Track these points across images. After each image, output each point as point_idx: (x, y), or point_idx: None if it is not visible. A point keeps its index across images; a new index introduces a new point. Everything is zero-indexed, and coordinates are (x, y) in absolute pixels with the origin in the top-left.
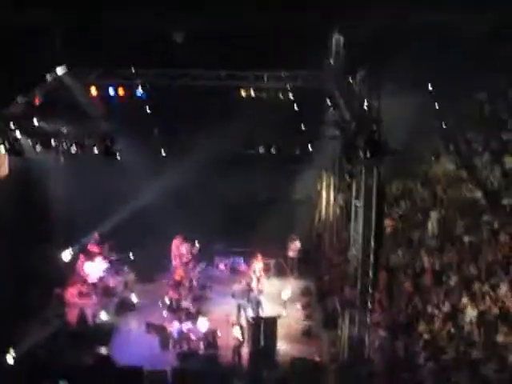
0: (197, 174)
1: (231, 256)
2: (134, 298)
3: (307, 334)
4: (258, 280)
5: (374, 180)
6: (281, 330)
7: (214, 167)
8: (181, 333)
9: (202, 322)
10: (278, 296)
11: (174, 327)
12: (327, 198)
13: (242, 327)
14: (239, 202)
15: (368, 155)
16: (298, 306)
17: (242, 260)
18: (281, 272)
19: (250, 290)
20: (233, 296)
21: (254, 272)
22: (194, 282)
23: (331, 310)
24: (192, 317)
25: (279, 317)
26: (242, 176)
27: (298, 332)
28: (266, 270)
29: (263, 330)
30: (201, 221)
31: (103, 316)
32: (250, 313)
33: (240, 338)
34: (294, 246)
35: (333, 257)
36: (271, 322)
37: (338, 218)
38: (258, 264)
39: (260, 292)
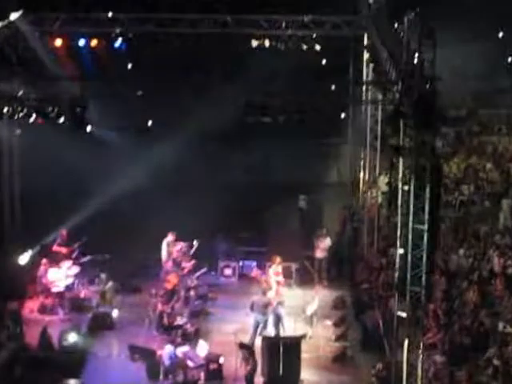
0: (192, 151)
1: (240, 258)
2: (114, 314)
3: (340, 360)
4: (277, 289)
5: (427, 158)
6: (306, 353)
7: (215, 141)
8: (175, 359)
9: (203, 344)
10: (301, 310)
11: (165, 351)
12: (366, 181)
13: (252, 351)
14: (249, 186)
15: (419, 125)
16: (328, 322)
17: (254, 263)
18: (305, 278)
19: (268, 302)
20: (251, 309)
21: (270, 278)
22: (192, 293)
23: (372, 328)
24: (189, 338)
25: (304, 337)
26: (252, 153)
27: (329, 356)
28: (287, 275)
29: (283, 353)
30: (199, 212)
31: (73, 337)
32: (268, 331)
33: (252, 365)
34: (323, 245)
35: (374, 258)
36: (293, 344)
37: (380, 208)
38: (275, 268)
39: (280, 304)
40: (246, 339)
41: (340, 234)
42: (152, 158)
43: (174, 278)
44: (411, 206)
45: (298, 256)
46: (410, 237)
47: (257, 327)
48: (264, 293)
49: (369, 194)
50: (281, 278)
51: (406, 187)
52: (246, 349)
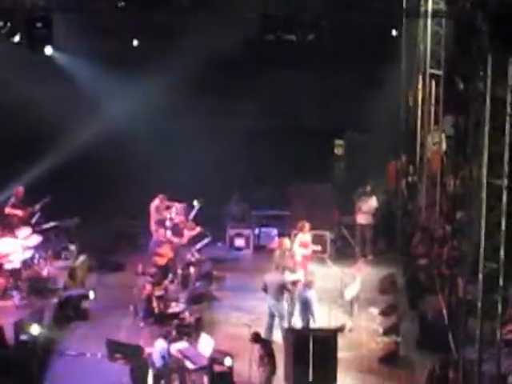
0: (191, 85)
1: (256, 224)
2: (88, 298)
3: (390, 360)
4: (304, 266)
5: (507, 88)
6: (344, 352)
7: (221, 72)
8: (168, 358)
9: (206, 339)
10: (338, 294)
11: (156, 349)
12: (424, 122)
13: (271, 348)
14: (268, 132)
15: (498, 45)
16: (374, 310)
17: (274, 231)
18: (343, 252)
19: (291, 282)
20: (265, 290)
21: (296, 251)
22: (192, 270)
23: (432, 318)
24: (188, 331)
25: (341, 330)
26: (270, 88)
27: (375, 356)
28: (318, 248)
29: (313, 352)
30: (201, 165)
31: (33, 330)
32: (292, 321)
33: (270, 367)
34: (367, 207)
35: (436, 225)
36: (327, 339)
37: (445, 158)
38: (302, 238)
39: (308, 286)
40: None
41: (390, 192)
42: (137, 95)
43: (168, 251)
44: (485, 154)
45: (333, 222)
46: (483, 196)
47: (272, 317)
48: (288, 270)
49: (429, 138)
50: (310, 251)
51: (479, 129)
52: (263, 345)
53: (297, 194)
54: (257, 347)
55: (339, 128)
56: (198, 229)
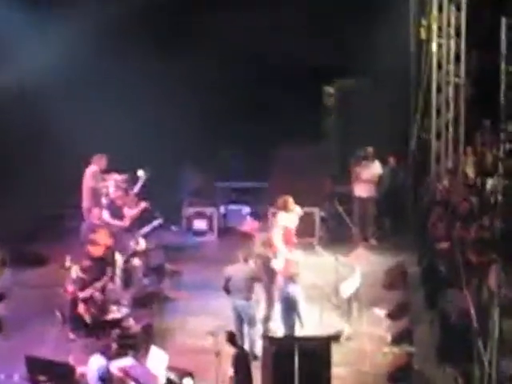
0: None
1: (222, 201)
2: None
3: (403, 376)
4: (286, 254)
5: None
6: (341, 367)
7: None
8: (108, 379)
9: (157, 354)
10: (332, 290)
11: (92, 367)
12: (442, 58)
13: (242, 360)
14: (237, 77)
15: None
16: (380, 311)
17: (246, 209)
18: (338, 235)
19: (269, 275)
20: (226, 290)
21: (275, 236)
22: (137, 263)
23: (456, 320)
24: (133, 343)
25: (337, 338)
26: (238, 17)
27: (381, 372)
28: (305, 230)
29: (300, 367)
30: (147, 123)
31: None
32: (271, 327)
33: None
34: (368, 174)
35: (458, 196)
36: (319, 350)
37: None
38: (285, 217)
39: (291, 280)
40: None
41: (399, 154)
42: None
43: (106, 238)
44: None
45: (323, 195)
46: None
47: (241, 322)
48: (263, 259)
49: (448, 79)
50: (294, 235)
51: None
52: (239, 357)
53: (275, 161)
54: (226, 363)
55: (329, 72)
56: (143, 204)
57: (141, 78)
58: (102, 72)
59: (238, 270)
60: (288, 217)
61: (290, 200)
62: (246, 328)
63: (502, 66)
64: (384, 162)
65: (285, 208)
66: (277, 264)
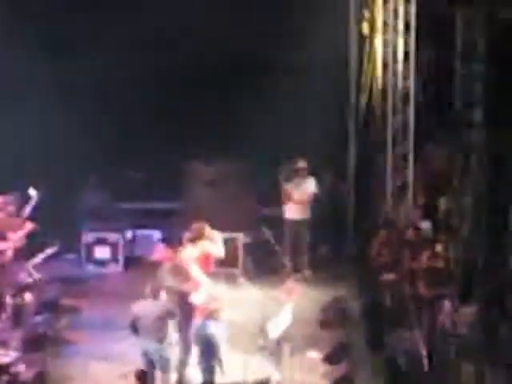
0: None
1: (128, 225)
2: None
3: None
4: (207, 287)
5: None
6: None
7: None
8: None
9: None
10: (258, 330)
11: None
12: (388, 56)
13: None
14: (133, 76)
15: None
16: (315, 354)
17: (156, 234)
18: (266, 265)
19: (185, 312)
20: (133, 330)
21: (190, 265)
22: (27, 297)
23: (407, 364)
24: None
25: None
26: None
27: None
28: (227, 260)
29: None
30: (38, 132)
31: None
32: (187, 374)
33: None
34: (301, 193)
35: (408, 220)
36: None
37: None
38: (200, 245)
39: (210, 318)
40: None
41: (337, 169)
42: None
43: None
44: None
45: (249, 218)
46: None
47: (152, 367)
48: (179, 294)
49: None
50: (211, 265)
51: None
52: None
53: (191, 177)
54: None
55: (253, 69)
56: (29, 225)
57: (29, 79)
58: None
59: (148, 307)
60: (203, 244)
61: (206, 227)
62: (158, 375)
63: (458, 65)
64: (319, 179)
65: (200, 237)
66: (196, 299)
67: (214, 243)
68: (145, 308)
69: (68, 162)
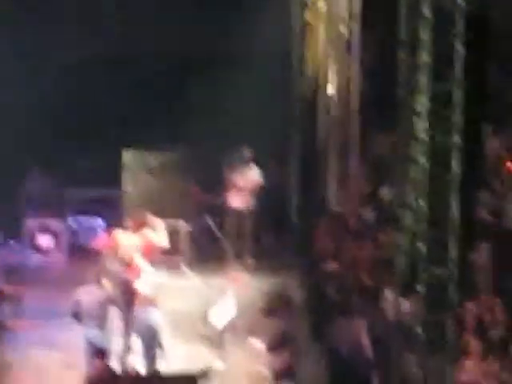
0: None
1: (71, 212)
2: None
3: None
4: (149, 274)
5: None
6: None
7: None
8: None
9: None
10: (201, 318)
11: None
12: (331, 46)
13: None
14: (81, 59)
15: None
16: (258, 343)
17: (99, 222)
18: (209, 254)
19: (126, 299)
20: (75, 317)
21: (132, 253)
22: None
23: (348, 354)
24: None
25: (206, 374)
26: None
27: None
28: (169, 248)
29: None
30: None
31: None
32: (129, 362)
33: None
34: (245, 180)
35: (351, 208)
36: None
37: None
38: (142, 233)
39: (152, 306)
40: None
41: (280, 158)
42: None
43: None
44: (425, 97)
45: (191, 205)
46: (422, 160)
47: (96, 355)
48: (121, 281)
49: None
50: (154, 253)
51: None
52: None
53: (133, 164)
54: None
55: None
56: None
57: None
58: None
59: (90, 293)
60: (144, 232)
61: (147, 215)
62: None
63: (401, 54)
64: (263, 168)
65: (142, 225)
66: (139, 286)
67: (157, 232)
68: (87, 294)
69: (10, 149)
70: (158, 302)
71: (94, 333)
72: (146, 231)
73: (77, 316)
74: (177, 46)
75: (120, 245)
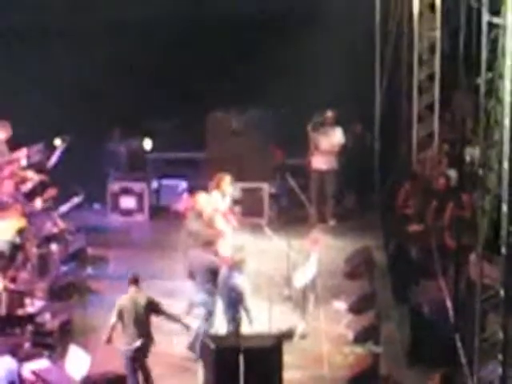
0: None
1: (154, 174)
2: None
3: (367, 381)
4: (231, 237)
5: None
6: (295, 370)
7: None
8: None
9: (78, 355)
10: (284, 280)
11: None
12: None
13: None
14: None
15: None
16: (341, 305)
17: (182, 185)
18: (290, 215)
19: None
20: (191, 277)
21: (216, 216)
22: (54, 247)
23: (431, 314)
24: (49, 342)
25: (290, 336)
26: None
27: (342, 376)
28: (252, 209)
29: (246, 372)
30: (68, 78)
31: None
32: (215, 325)
33: None
34: (328, 142)
35: (434, 170)
36: (268, 352)
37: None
38: (223, 194)
39: (235, 269)
40: (176, 343)
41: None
42: None
43: (17, 217)
44: None
45: (274, 167)
46: (507, 122)
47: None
48: (207, 242)
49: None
50: (234, 214)
51: None
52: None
53: (216, 126)
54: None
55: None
56: (36, 177)
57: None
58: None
59: (200, 258)
60: (225, 193)
61: (226, 178)
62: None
63: (485, 15)
64: (347, 129)
65: (217, 187)
66: (222, 249)
67: (226, 196)
68: (199, 258)
69: (94, 112)
70: (243, 265)
71: (203, 297)
72: (215, 193)
73: (191, 276)
74: (255, 6)
75: (202, 207)
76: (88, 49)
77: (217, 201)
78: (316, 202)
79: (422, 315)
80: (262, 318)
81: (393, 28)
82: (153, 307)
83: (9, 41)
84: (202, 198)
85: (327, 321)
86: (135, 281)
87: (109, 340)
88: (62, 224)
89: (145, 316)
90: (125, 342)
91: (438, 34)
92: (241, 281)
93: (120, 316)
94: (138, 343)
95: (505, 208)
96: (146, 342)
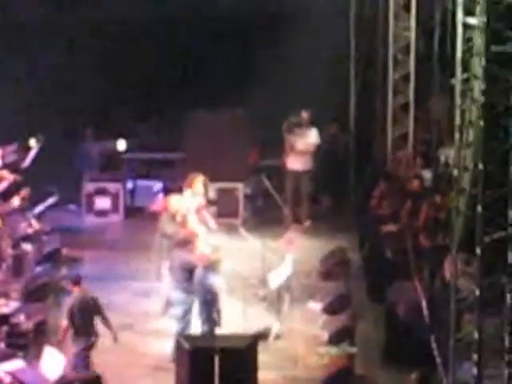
0: None
1: (129, 175)
2: None
3: (342, 382)
4: (206, 237)
5: None
6: (269, 371)
7: None
8: None
9: (52, 355)
10: (259, 281)
11: None
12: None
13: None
14: (145, 19)
15: None
16: (315, 305)
17: (158, 185)
18: (266, 215)
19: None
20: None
21: (190, 216)
22: (28, 247)
23: (406, 317)
24: (24, 342)
25: (264, 337)
26: None
27: (316, 376)
28: (226, 210)
29: (221, 373)
30: (44, 77)
31: None
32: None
33: None
34: (304, 143)
35: (409, 170)
36: (242, 352)
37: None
38: (198, 194)
39: (210, 269)
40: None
41: (340, 120)
42: None
43: None
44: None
45: (249, 168)
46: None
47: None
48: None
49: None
50: (210, 217)
51: None
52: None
53: (191, 126)
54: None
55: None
56: (10, 177)
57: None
58: None
59: (178, 257)
60: (200, 194)
61: (198, 178)
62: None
63: (459, 15)
64: (322, 129)
65: (190, 186)
66: (198, 248)
67: (198, 197)
68: (177, 257)
69: (68, 113)
70: (218, 266)
71: (182, 296)
72: (187, 192)
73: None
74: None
75: (175, 208)
76: (62, 48)
77: (189, 200)
78: (291, 203)
79: (397, 316)
80: (237, 319)
81: (367, 28)
82: (96, 307)
83: None
84: (173, 200)
85: (302, 321)
86: (78, 281)
87: (61, 341)
88: (36, 224)
89: (93, 314)
90: (76, 342)
91: (412, 34)
92: (216, 281)
93: (70, 317)
94: (88, 342)
95: (480, 208)
96: (95, 340)
